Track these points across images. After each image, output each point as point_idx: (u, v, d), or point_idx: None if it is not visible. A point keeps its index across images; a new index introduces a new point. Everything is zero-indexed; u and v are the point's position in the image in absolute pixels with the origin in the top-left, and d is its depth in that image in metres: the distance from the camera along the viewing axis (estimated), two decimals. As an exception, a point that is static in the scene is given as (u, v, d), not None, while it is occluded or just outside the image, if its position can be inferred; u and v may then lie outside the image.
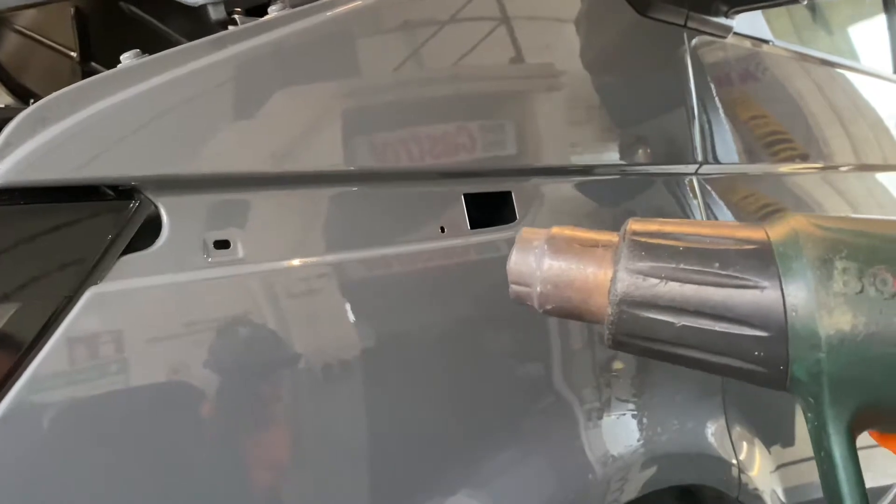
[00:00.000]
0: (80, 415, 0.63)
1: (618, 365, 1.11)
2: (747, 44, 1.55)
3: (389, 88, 0.89)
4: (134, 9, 1.15)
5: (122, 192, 0.69)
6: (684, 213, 1.33)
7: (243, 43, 0.77)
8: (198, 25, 0.96)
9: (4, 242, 0.63)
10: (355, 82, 0.86)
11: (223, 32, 0.79)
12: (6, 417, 0.60)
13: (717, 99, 1.42)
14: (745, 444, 1.37)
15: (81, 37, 1.26)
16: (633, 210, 1.24)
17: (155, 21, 1.14)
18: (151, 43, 0.86)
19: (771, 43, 1.64)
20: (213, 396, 0.70)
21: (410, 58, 0.92)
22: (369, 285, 0.83)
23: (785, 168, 1.65)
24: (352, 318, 0.81)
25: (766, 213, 1.55)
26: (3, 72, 1.37)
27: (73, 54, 1.29)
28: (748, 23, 1.55)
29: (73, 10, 1.24)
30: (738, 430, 1.35)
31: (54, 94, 0.68)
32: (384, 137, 0.86)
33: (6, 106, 1.32)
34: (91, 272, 0.65)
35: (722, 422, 1.32)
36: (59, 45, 1.31)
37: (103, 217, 0.67)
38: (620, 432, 1.11)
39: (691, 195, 1.34)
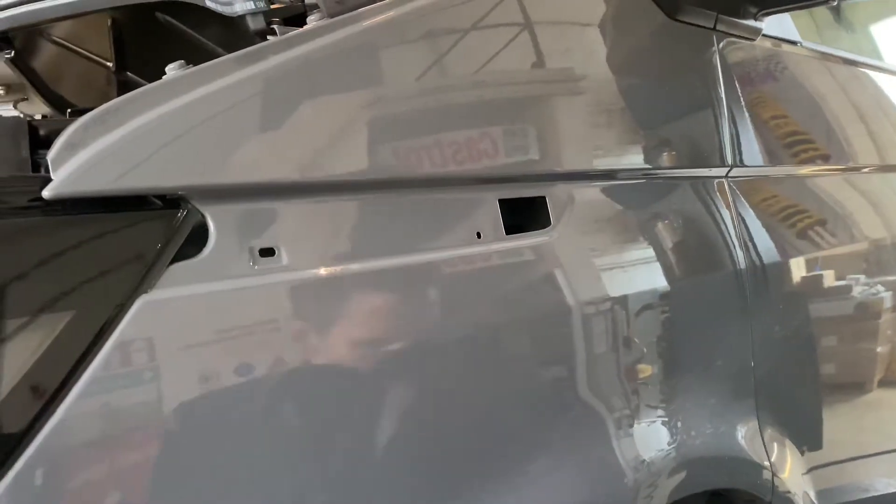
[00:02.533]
0: (134, 422, 0.65)
1: (652, 370, 1.12)
2: (776, 45, 1.54)
3: (427, 95, 0.90)
4: (170, 19, 1.17)
5: (170, 202, 0.71)
6: (714, 216, 1.32)
7: (285, 53, 0.79)
8: (234, 35, 0.97)
9: (58, 251, 0.65)
10: (394, 90, 0.87)
11: (265, 43, 0.80)
12: (63, 423, 0.61)
13: (747, 101, 1.41)
14: (776, 445, 1.36)
15: (117, 47, 1.28)
16: (665, 214, 1.24)
17: (191, 31, 1.16)
18: (188, 53, 0.87)
19: (799, 44, 1.63)
20: (261, 403, 0.72)
21: (448, 65, 0.93)
22: (410, 291, 0.84)
23: (816, 170, 1.65)
24: (393, 324, 0.82)
25: (800, 221, 1.54)
26: (40, 82, 1.39)
27: (109, 64, 1.31)
28: (776, 24, 1.55)
29: (109, 20, 1.26)
30: (770, 431, 1.34)
31: (102, 106, 0.69)
32: (423, 144, 0.87)
33: (49, 117, 1.34)
34: (142, 280, 0.66)
35: (754, 424, 1.31)
36: (95, 55, 1.33)
37: (152, 226, 0.69)
38: (654, 437, 1.11)
39: (721, 199, 1.34)
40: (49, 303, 0.63)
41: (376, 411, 0.79)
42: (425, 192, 0.89)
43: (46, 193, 0.64)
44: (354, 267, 0.80)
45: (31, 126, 0.72)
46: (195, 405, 0.68)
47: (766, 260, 1.37)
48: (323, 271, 0.77)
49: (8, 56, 1.34)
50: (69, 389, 0.62)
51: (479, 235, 0.91)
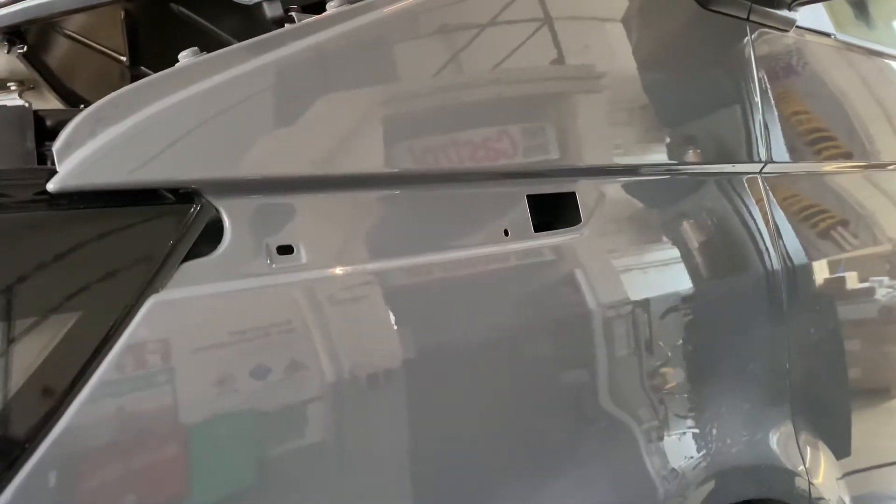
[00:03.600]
0: (144, 429, 0.61)
1: (685, 375, 1.07)
2: (810, 37, 1.49)
3: (453, 86, 0.86)
4: (184, 10, 1.14)
5: (183, 196, 0.67)
6: (748, 214, 1.27)
7: (304, 40, 0.75)
8: (251, 25, 0.94)
9: (64, 248, 0.61)
10: (418, 80, 0.83)
11: (283, 29, 0.76)
12: (70, 430, 0.57)
13: (780, 95, 1.36)
14: (811, 450, 1.31)
15: (131, 40, 1.24)
16: (697, 211, 1.19)
17: (205, 22, 1.12)
18: (203, 45, 0.84)
19: (833, 36, 1.58)
20: (278, 409, 0.67)
21: (474, 55, 0.88)
22: (435, 290, 0.80)
23: (855, 166, 1.59)
24: (417, 324, 0.78)
25: (837, 219, 1.49)
26: (54, 77, 1.36)
27: (123, 59, 1.28)
28: (811, 16, 1.50)
29: (122, 12, 1.22)
30: (804, 436, 1.30)
31: (112, 94, 0.65)
32: (448, 137, 0.83)
33: (59, 109, 1.31)
34: (152, 279, 0.62)
35: (789, 428, 1.27)
36: (109, 49, 1.30)
37: (164, 221, 0.65)
38: (686, 446, 1.06)
39: (755, 195, 1.29)
40: (54, 303, 0.59)
41: (398, 416, 0.75)
42: (450, 188, 0.84)
43: (51, 186, 0.60)
44: (377, 265, 0.75)
45: (38, 116, 0.68)
46: (209, 411, 0.64)
47: (801, 259, 1.32)
48: (343, 270, 0.73)
49: (21, 51, 1.32)
50: (76, 394, 0.58)
51: (506, 233, 0.87)
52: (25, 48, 1.30)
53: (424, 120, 0.82)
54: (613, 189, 1.03)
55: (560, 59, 1.00)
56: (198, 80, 0.68)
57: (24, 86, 1.40)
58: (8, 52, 1.30)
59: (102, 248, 0.62)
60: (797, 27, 1.42)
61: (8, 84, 1.40)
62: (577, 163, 0.97)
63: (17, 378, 0.58)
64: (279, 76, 0.72)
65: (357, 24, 0.78)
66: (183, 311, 0.64)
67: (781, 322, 1.26)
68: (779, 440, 1.24)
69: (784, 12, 1.37)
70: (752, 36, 1.32)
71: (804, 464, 1.26)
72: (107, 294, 0.61)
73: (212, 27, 1.12)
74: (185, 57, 0.72)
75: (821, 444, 1.35)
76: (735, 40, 1.28)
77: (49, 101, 1.40)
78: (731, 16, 1.26)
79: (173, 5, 1.15)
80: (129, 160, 0.64)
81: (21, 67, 1.36)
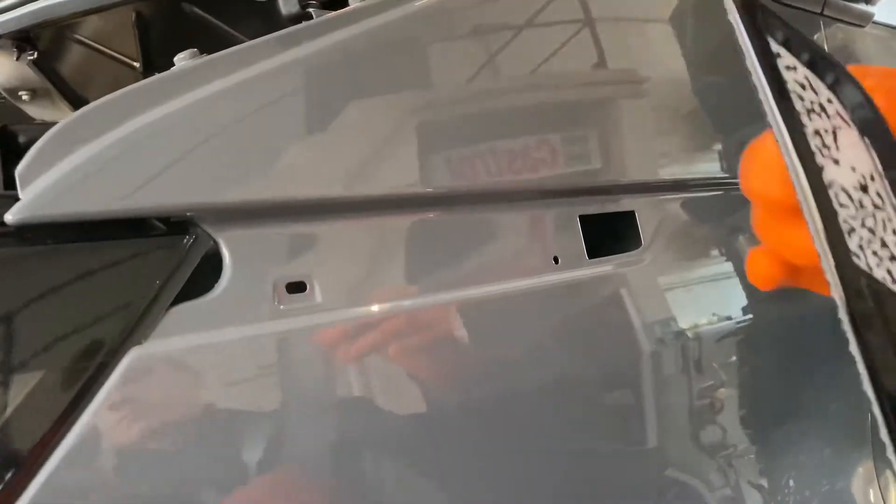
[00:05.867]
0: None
1: (761, 417, 0.94)
2: (888, 33, 1.36)
3: (494, 92, 0.75)
4: (197, 10, 1.04)
5: (175, 226, 0.56)
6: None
7: (320, 39, 0.63)
8: (268, 26, 0.83)
9: (27, 292, 0.50)
10: (452, 85, 0.72)
11: (296, 27, 0.65)
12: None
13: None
14: (893, 491, 1.17)
15: (143, 45, 1.15)
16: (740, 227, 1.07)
17: (219, 22, 1.03)
18: (217, 48, 0.73)
19: (913, 33, 1.44)
20: (288, 479, 0.56)
21: (517, 58, 0.77)
22: (474, 331, 0.68)
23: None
24: (452, 372, 0.66)
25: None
26: (66, 85, 1.27)
27: (136, 65, 1.18)
28: (888, 10, 1.37)
29: (133, 14, 1.13)
30: (884, 478, 1.16)
31: (91, 104, 0.55)
32: (488, 151, 0.71)
33: (37, 123, 1.22)
34: (134, 328, 0.51)
35: (871, 470, 1.13)
36: (123, 55, 1.21)
37: (150, 257, 0.54)
38: (760, 498, 0.93)
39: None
40: (13, 360, 0.48)
41: (428, 474, 0.63)
42: (491, 210, 0.73)
43: (10, 217, 0.49)
44: (406, 304, 0.64)
45: (8, 132, 0.58)
46: (205, 491, 0.53)
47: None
48: (366, 310, 0.61)
49: (31, 58, 1.23)
50: (38, 468, 0.47)
51: (556, 260, 0.75)
52: (36, 55, 1.21)
53: (460, 133, 0.70)
54: (675, 207, 0.90)
55: (611, 66, 0.88)
56: (194, 87, 0.57)
57: (38, 95, 1.32)
58: (17, 59, 1.22)
59: (74, 291, 0.51)
60: (874, 23, 1.29)
61: (19, 93, 1.32)
62: (637, 178, 0.85)
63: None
64: (286, 84, 0.60)
65: (383, 21, 0.67)
66: (171, 367, 0.53)
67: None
68: (860, 486, 1.10)
69: (861, 6, 1.24)
70: (826, 32, 1.19)
71: (885, 505, 1.13)
72: (77, 348, 0.50)
73: (226, 27, 1.02)
74: (182, 60, 0.61)
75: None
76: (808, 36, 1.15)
77: (62, 111, 1.31)
78: (803, 10, 1.14)
79: (185, 4, 1.05)
80: (109, 185, 0.53)
81: (32, 75, 1.27)
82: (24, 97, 1.32)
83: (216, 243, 0.56)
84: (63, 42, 1.25)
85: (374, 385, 0.61)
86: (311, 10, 0.74)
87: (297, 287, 0.58)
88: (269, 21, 0.83)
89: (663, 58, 0.97)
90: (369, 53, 0.65)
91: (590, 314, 0.77)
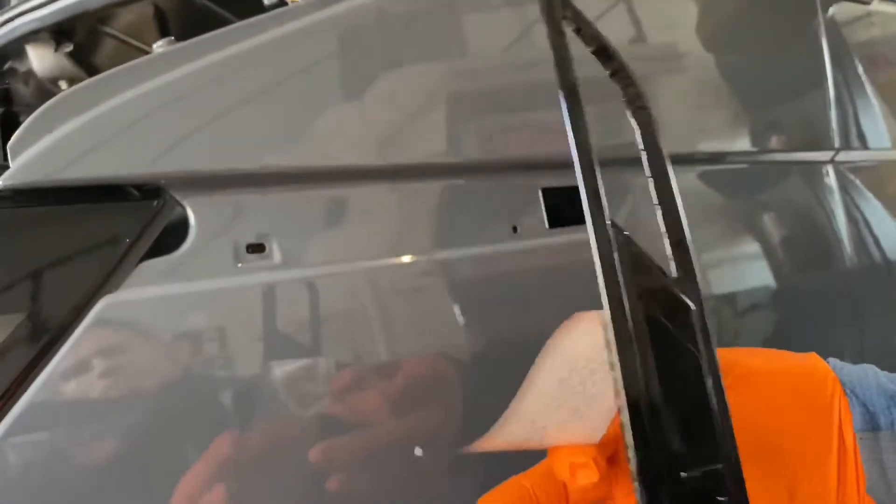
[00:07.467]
0: (87, 437, 0.57)
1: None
2: (893, 10, 1.35)
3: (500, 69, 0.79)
4: (208, 3, 1.11)
5: (148, 192, 0.63)
6: (820, 207, 1.16)
7: (287, 25, 0.70)
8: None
9: (14, 247, 0.58)
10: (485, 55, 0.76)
11: (268, 14, 0.71)
12: (8, 434, 0.55)
13: (858, 75, 1.23)
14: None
15: (164, 36, 1.23)
16: (764, 203, 1.09)
17: (230, 15, 1.10)
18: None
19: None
20: (240, 417, 0.63)
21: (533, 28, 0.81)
22: (429, 294, 0.74)
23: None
24: (405, 333, 0.72)
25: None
26: (101, 76, 1.37)
27: (160, 55, 1.26)
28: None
29: (153, 7, 1.21)
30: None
31: (74, 87, 0.63)
32: (469, 126, 0.76)
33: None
34: (106, 279, 0.59)
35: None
36: (151, 46, 1.29)
37: (122, 218, 0.61)
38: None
39: (827, 187, 1.17)
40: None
41: (377, 429, 0.69)
42: (453, 179, 0.78)
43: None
44: (358, 266, 0.70)
45: (12, 113, 0.66)
46: (163, 422, 0.60)
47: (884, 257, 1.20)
48: (321, 270, 0.68)
49: (68, 50, 1.32)
50: (17, 398, 0.55)
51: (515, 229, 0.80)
52: (72, 47, 1.30)
53: (442, 104, 0.75)
54: (686, 179, 0.95)
55: (622, 43, 0.93)
56: (167, 69, 0.65)
57: (74, 84, 1.41)
58: (56, 51, 1.31)
59: (52, 246, 0.59)
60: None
61: (59, 82, 1.42)
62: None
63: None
64: (255, 62, 0.67)
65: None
66: (137, 313, 0.60)
67: (857, 326, 1.14)
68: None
69: (864, -16, 1.25)
70: (827, 11, 1.20)
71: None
72: (56, 294, 0.58)
73: (234, 20, 1.09)
74: (160, 46, 0.69)
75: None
76: (808, 15, 1.17)
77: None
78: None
79: (196, -1, 1.12)
80: (87, 155, 0.60)
81: (70, 66, 1.37)
82: (64, 86, 1.42)
83: (183, 207, 0.63)
84: (96, 35, 1.34)
85: (325, 340, 0.67)
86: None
87: (256, 248, 0.65)
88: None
89: (688, 35, 1.00)
90: (327, 31, 0.71)
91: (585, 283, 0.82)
